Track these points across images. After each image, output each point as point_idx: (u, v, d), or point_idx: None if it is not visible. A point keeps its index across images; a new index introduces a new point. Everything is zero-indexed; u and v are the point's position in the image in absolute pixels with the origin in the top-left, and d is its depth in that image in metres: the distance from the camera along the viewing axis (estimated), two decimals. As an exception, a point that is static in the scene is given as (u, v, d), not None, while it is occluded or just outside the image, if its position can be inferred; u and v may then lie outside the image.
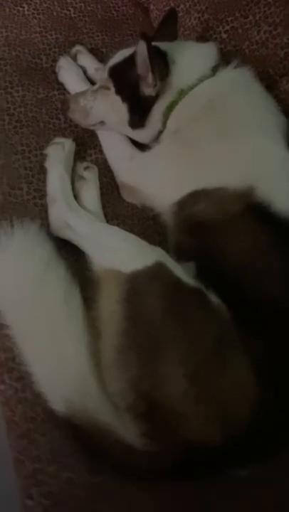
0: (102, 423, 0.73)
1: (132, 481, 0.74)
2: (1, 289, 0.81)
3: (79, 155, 1.06)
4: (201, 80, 0.95)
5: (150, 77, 0.91)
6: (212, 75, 0.97)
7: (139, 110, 0.97)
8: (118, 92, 0.98)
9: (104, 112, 1.02)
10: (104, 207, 1.03)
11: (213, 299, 0.79)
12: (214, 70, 0.97)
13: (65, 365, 0.75)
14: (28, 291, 0.79)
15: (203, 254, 0.88)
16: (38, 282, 0.80)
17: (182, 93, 0.95)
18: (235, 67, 0.98)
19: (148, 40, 0.86)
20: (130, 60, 0.94)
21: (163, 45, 0.96)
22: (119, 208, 1.05)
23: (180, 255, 0.90)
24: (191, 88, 0.95)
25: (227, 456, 0.71)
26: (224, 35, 1.17)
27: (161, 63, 0.92)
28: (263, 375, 0.74)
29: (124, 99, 0.98)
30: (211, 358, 0.73)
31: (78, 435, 0.74)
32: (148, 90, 0.94)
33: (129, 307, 0.77)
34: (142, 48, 0.87)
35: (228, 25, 1.16)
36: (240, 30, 1.14)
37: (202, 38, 1.21)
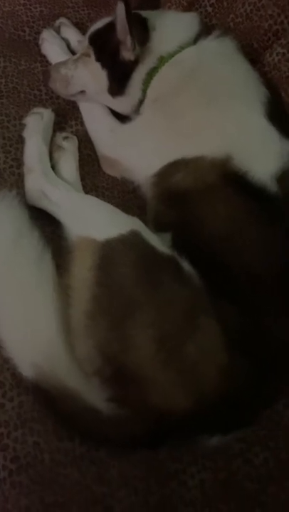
0: (70, 388, 0.72)
1: (101, 447, 0.73)
2: None
3: (59, 126, 1.05)
4: (181, 48, 0.94)
5: (129, 41, 0.89)
6: (193, 44, 0.95)
7: (118, 76, 0.95)
8: (98, 58, 0.96)
9: (85, 80, 1.00)
10: (83, 178, 1.01)
11: (186, 267, 0.78)
12: (196, 39, 0.95)
13: (34, 331, 0.74)
14: None
15: (181, 224, 0.87)
16: (8, 250, 0.79)
17: (162, 60, 0.94)
18: (218, 37, 0.96)
19: (127, 2, 0.84)
20: (110, 26, 0.92)
21: (144, 13, 0.94)
22: (99, 180, 1.03)
23: (158, 227, 0.89)
24: (171, 55, 0.93)
25: (197, 423, 0.70)
26: (210, 9, 1.15)
27: (140, 28, 0.91)
28: (236, 342, 0.73)
29: (103, 66, 0.96)
30: (180, 324, 0.72)
31: (47, 400, 0.73)
32: (127, 54, 0.92)
33: (102, 274, 0.76)
34: (120, 11, 0.86)
35: (213, -2, 1.15)
36: (225, 3, 1.12)
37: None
